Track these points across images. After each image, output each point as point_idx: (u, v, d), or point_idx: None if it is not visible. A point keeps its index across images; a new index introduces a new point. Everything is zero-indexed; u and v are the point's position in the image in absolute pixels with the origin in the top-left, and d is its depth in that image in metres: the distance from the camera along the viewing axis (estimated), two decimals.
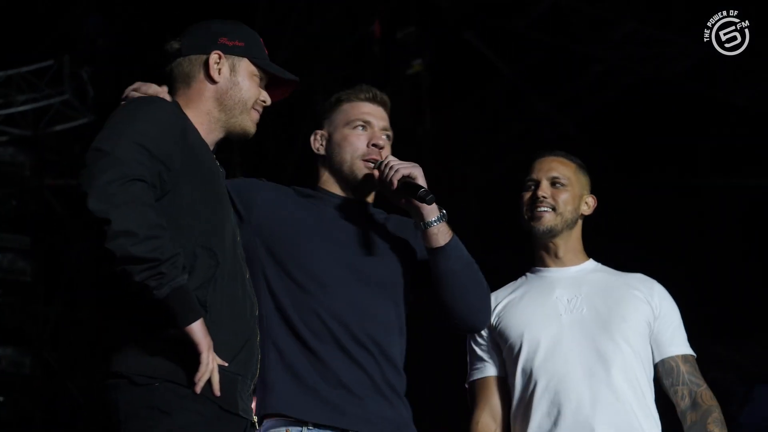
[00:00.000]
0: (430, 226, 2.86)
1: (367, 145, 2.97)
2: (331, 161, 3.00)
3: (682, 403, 3.17)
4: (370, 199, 3.04)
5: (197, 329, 2.38)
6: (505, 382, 3.23)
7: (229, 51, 2.73)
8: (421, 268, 2.96)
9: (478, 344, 3.27)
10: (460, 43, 9.21)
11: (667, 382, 3.19)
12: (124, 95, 2.66)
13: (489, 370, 3.25)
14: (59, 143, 9.84)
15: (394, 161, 2.89)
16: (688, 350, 3.23)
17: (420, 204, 2.84)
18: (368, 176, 2.95)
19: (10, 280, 9.35)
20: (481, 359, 3.27)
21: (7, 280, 9.34)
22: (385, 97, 3.07)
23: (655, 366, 3.20)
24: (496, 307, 3.26)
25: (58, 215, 9.99)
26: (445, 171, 8.83)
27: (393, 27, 9.38)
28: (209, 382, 2.41)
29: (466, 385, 3.30)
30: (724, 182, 10.23)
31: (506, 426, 3.21)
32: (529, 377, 3.14)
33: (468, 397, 3.29)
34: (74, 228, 9.93)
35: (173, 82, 2.73)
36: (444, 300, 2.91)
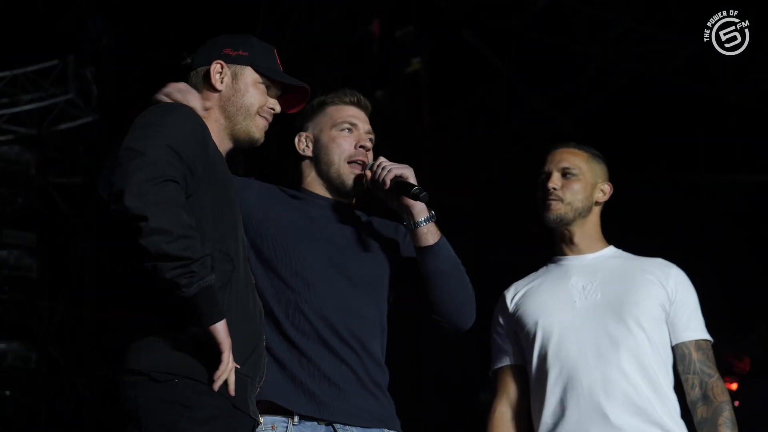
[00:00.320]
0: (420, 226, 2.90)
1: (354, 147, 3.01)
2: (318, 162, 3.05)
3: (692, 393, 3.17)
4: (354, 200, 3.08)
5: (221, 329, 2.42)
6: (525, 370, 3.26)
7: (232, 60, 2.78)
8: (403, 267, 3.00)
9: (498, 334, 3.32)
10: (458, 42, 9.25)
11: (679, 369, 3.18)
12: (156, 99, 2.71)
13: (508, 359, 3.29)
14: (64, 142, 9.90)
15: (386, 162, 2.94)
16: (703, 335, 3.21)
17: (412, 203, 2.89)
18: (357, 178, 2.99)
19: (17, 276, 9.39)
20: (501, 348, 3.31)
21: (13, 277, 9.38)
22: (368, 102, 3.13)
23: (672, 351, 3.20)
24: (515, 296, 3.31)
25: (63, 213, 10.04)
26: (444, 169, 8.89)
27: (392, 26, 9.43)
28: (225, 380, 2.45)
29: (490, 374, 3.35)
30: (721, 179, 10.29)
31: (528, 413, 3.25)
32: (543, 364, 3.17)
33: (491, 386, 3.34)
34: (79, 225, 10.01)
35: None
36: (431, 299, 2.93)
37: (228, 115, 2.77)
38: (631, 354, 3.11)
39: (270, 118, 2.83)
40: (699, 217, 10.66)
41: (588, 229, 3.32)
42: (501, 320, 3.33)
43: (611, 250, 3.33)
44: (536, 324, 3.21)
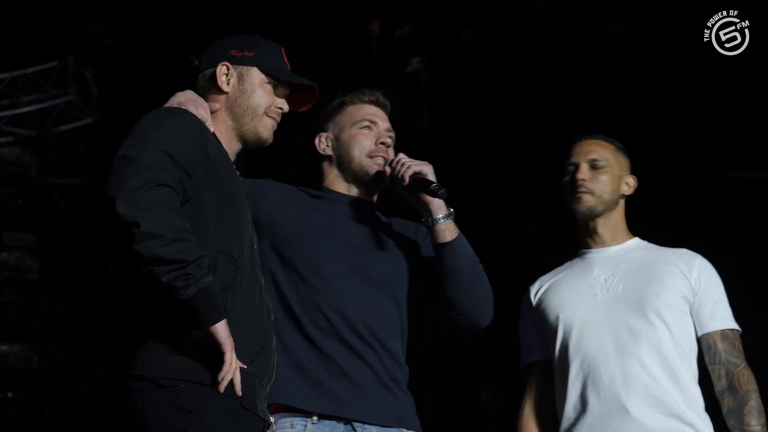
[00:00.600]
0: (438, 222, 2.91)
1: (375, 143, 3.03)
2: (339, 160, 3.06)
3: (719, 383, 3.12)
4: (375, 199, 3.09)
5: (221, 329, 2.42)
6: (551, 364, 3.24)
7: (237, 61, 2.77)
8: (422, 267, 3.02)
9: (524, 330, 3.32)
10: (458, 41, 9.26)
11: (706, 360, 3.14)
12: (169, 104, 2.72)
13: (534, 354, 3.29)
14: (64, 143, 9.91)
15: (405, 158, 2.95)
16: (729, 325, 3.17)
17: (430, 199, 2.90)
18: (378, 173, 3.01)
19: (18, 278, 9.41)
20: (527, 344, 3.31)
21: (14, 278, 9.39)
22: (387, 101, 3.14)
23: (698, 342, 3.16)
24: (539, 290, 3.30)
25: (63, 214, 10.05)
26: (444, 169, 8.89)
27: (392, 25, 9.44)
28: (231, 381, 2.45)
29: (519, 371, 3.35)
30: (720, 178, 10.30)
31: (554, 407, 3.23)
32: (564, 358, 3.16)
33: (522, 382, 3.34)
34: (80, 226, 10.02)
35: None
36: (449, 296, 2.94)
37: (235, 117, 2.78)
38: (651, 347, 3.09)
39: (278, 118, 2.83)
40: (699, 215, 10.67)
41: (613, 221, 3.30)
42: (526, 315, 3.32)
43: (636, 242, 3.30)
44: (558, 318, 3.20)
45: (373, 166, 3.01)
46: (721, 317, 3.17)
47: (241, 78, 2.78)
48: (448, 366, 9.76)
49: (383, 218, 3.08)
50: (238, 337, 2.51)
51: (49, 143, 9.78)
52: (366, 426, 2.84)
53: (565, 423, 3.14)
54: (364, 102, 3.11)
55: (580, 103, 9.65)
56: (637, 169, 3.47)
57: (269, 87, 2.80)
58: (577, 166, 3.30)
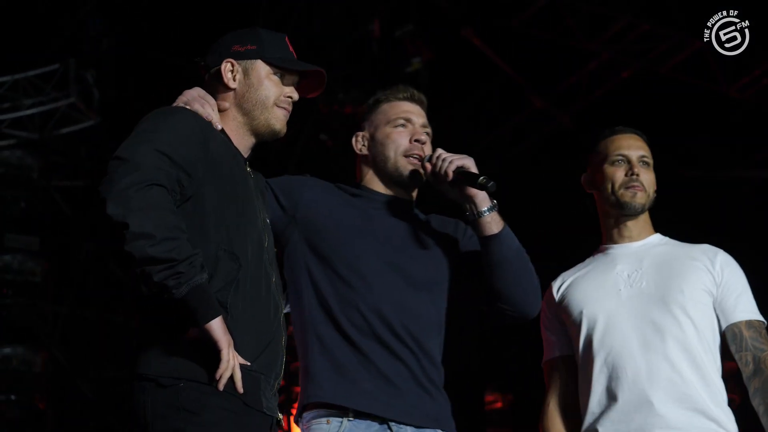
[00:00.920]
0: (484, 215, 2.91)
1: (410, 141, 3.03)
2: (375, 159, 3.06)
3: (747, 369, 3.13)
4: (412, 197, 3.09)
5: (216, 326, 2.43)
6: (574, 360, 3.25)
7: (241, 56, 2.78)
8: (463, 263, 3.01)
9: (546, 325, 3.32)
10: (458, 40, 9.27)
11: (732, 349, 3.15)
12: (176, 103, 2.74)
13: (557, 350, 3.29)
14: (66, 146, 9.91)
15: (445, 153, 2.95)
16: (754, 316, 3.18)
17: (475, 192, 2.89)
18: (413, 172, 3.01)
19: (20, 280, 9.41)
20: (550, 340, 3.31)
21: (17, 281, 9.40)
22: (422, 96, 3.15)
23: (722, 334, 3.17)
24: (562, 285, 3.30)
25: (65, 216, 10.06)
26: None
27: (392, 26, 9.45)
28: (232, 379, 2.46)
29: (542, 366, 3.34)
30: (722, 175, 10.30)
31: (578, 403, 3.23)
32: (589, 353, 3.16)
33: (544, 378, 3.34)
34: (82, 228, 10.03)
35: None
36: (497, 288, 2.94)
37: (245, 111, 2.78)
38: (676, 341, 3.10)
39: (289, 108, 2.83)
40: (698, 214, 10.67)
41: (644, 217, 3.31)
42: (548, 311, 3.31)
43: (657, 237, 3.32)
44: (581, 313, 3.20)
45: (408, 165, 3.02)
46: (746, 308, 3.19)
47: (246, 72, 2.79)
48: (451, 364, 9.75)
49: (421, 216, 3.08)
50: (240, 333, 2.52)
51: (51, 146, 9.78)
52: (402, 426, 2.85)
53: (589, 418, 3.14)
54: (399, 99, 3.11)
55: (581, 103, 9.66)
56: None
57: (276, 78, 2.80)
58: (628, 160, 3.28)
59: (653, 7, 8.81)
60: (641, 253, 3.25)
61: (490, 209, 2.91)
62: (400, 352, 2.87)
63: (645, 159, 3.29)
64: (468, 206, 2.92)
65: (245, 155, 2.81)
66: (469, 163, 2.92)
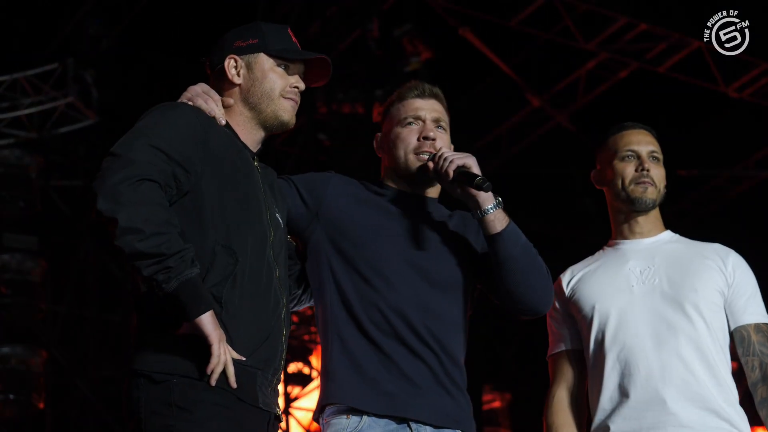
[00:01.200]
0: (487, 214, 2.88)
1: (418, 139, 3.00)
2: (388, 160, 3.06)
3: (753, 375, 3.12)
4: (435, 194, 3.07)
5: (206, 321, 2.42)
6: (582, 354, 3.24)
7: (243, 51, 2.78)
8: (484, 260, 2.99)
9: (554, 319, 3.29)
10: (456, 40, 9.28)
11: (739, 352, 3.15)
12: (181, 99, 2.73)
13: (565, 343, 3.27)
14: (64, 145, 9.91)
15: (447, 152, 2.93)
16: (763, 319, 3.17)
17: (476, 192, 2.87)
18: (422, 168, 2.98)
19: (19, 279, 9.40)
20: (558, 333, 3.29)
21: (15, 280, 9.39)
22: (435, 89, 3.11)
23: (730, 335, 3.16)
24: (571, 279, 3.28)
25: (64, 215, 10.06)
26: None
27: (391, 25, 9.45)
28: (225, 374, 2.45)
29: (547, 359, 3.32)
30: (720, 174, 10.31)
31: (586, 397, 3.22)
32: (600, 349, 3.15)
33: (549, 372, 3.32)
34: (80, 228, 10.03)
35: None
36: (506, 286, 2.92)
37: (251, 106, 2.78)
38: (689, 340, 3.09)
39: (296, 98, 2.83)
40: (697, 213, 10.67)
41: (655, 213, 3.30)
42: (557, 304, 3.29)
43: (668, 234, 3.30)
44: (593, 308, 3.19)
45: (417, 163, 3.00)
46: (756, 311, 3.18)
47: (249, 67, 2.79)
48: None
49: (445, 213, 3.06)
50: (236, 328, 2.52)
51: (50, 145, 9.78)
52: (421, 425, 2.84)
53: (600, 414, 3.13)
54: (410, 97, 3.09)
55: (579, 102, 9.67)
56: None
57: (280, 69, 2.80)
58: (638, 156, 3.27)
59: (651, 6, 8.82)
60: (653, 250, 3.24)
61: (493, 207, 2.89)
62: (421, 353, 2.86)
63: (655, 154, 3.28)
64: (471, 205, 2.91)
65: (254, 149, 2.80)
66: (471, 162, 2.90)
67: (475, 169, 2.89)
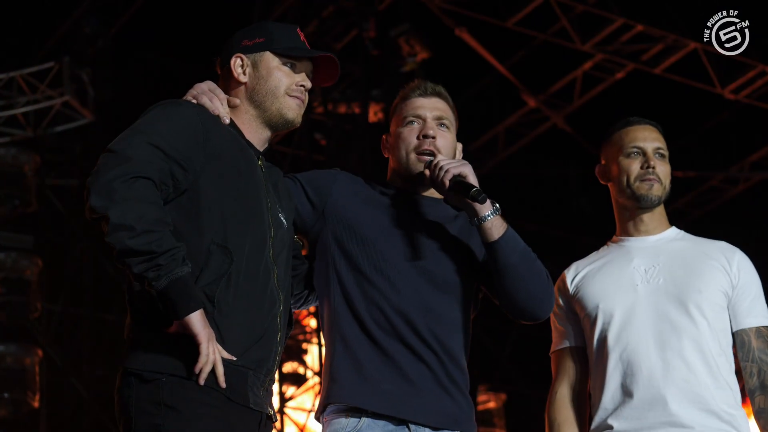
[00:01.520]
0: (484, 222, 2.86)
1: (418, 137, 2.99)
2: (392, 161, 3.06)
3: (750, 381, 3.10)
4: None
5: (195, 320, 2.41)
6: (585, 351, 3.22)
7: (250, 50, 2.78)
8: (486, 265, 2.97)
9: (558, 316, 3.27)
10: (453, 40, 9.29)
11: (739, 356, 3.13)
12: (186, 97, 2.73)
13: (568, 340, 3.25)
14: (60, 144, 9.91)
15: (443, 161, 2.90)
16: (765, 322, 3.15)
17: (472, 201, 2.86)
18: (422, 173, 2.97)
19: (14, 278, 9.38)
20: (561, 330, 3.27)
21: (10, 279, 9.38)
22: (438, 88, 3.08)
23: (732, 336, 3.15)
24: (576, 277, 3.26)
25: (59, 214, 10.06)
26: None
27: (387, 25, 9.46)
28: (214, 373, 2.44)
29: (550, 355, 3.31)
30: (718, 176, 10.32)
31: (588, 395, 3.21)
32: (603, 348, 3.13)
33: (551, 368, 3.30)
34: (76, 226, 10.03)
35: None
36: (505, 292, 2.91)
37: (257, 104, 2.78)
38: (692, 341, 3.07)
39: (303, 96, 2.82)
40: (692, 214, 10.68)
41: (660, 210, 3.27)
42: (561, 301, 3.27)
43: (673, 231, 3.27)
44: (597, 307, 3.17)
45: (419, 164, 2.99)
46: (758, 314, 3.16)
47: (255, 65, 2.78)
48: None
49: (450, 214, 3.03)
50: (230, 327, 2.51)
51: (46, 144, 9.77)
52: (420, 427, 2.83)
53: (601, 413, 3.12)
54: (412, 97, 3.07)
55: (575, 103, 9.68)
56: None
57: (286, 68, 2.79)
58: (643, 152, 3.24)
59: (648, 8, 8.83)
60: (658, 248, 3.21)
61: (491, 214, 2.87)
62: (423, 354, 2.86)
63: (661, 151, 3.26)
64: (468, 213, 2.90)
65: (260, 148, 2.79)
66: (467, 171, 2.88)
67: (471, 179, 2.88)
